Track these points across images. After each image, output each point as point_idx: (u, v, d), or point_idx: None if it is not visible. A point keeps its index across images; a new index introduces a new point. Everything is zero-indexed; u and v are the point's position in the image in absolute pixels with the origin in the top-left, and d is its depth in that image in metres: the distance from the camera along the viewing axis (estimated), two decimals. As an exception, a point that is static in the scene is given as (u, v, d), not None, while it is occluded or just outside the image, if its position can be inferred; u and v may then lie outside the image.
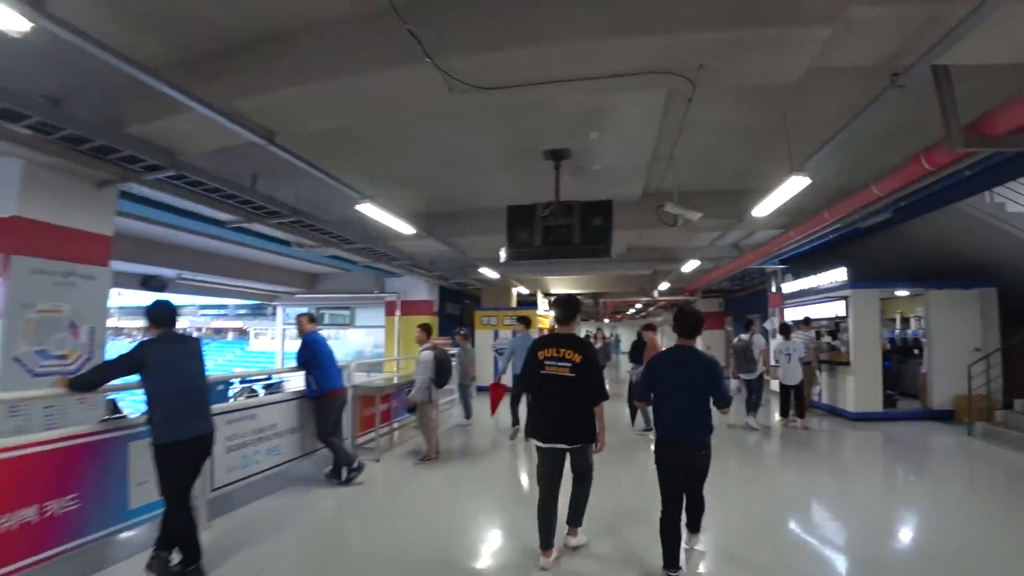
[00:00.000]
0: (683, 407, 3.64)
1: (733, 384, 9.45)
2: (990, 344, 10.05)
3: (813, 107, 5.57)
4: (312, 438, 6.08)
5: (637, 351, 9.35)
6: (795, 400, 9.20)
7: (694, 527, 4.01)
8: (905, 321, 11.84)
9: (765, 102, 5.50)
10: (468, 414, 9.92)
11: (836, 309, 10.49)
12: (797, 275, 12.50)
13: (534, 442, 3.93)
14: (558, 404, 3.83)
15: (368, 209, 6.59)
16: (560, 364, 3.83)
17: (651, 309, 28.12)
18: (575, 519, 4.13)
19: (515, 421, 8.67)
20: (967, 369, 9.90)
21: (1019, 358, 9.38)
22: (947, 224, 9.44)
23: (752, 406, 9.39)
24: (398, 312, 15.52)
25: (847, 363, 9.94)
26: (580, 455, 3.96)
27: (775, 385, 10.28)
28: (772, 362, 10.14)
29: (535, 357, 3.93)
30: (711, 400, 3.66)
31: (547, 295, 18.52)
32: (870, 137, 5.71)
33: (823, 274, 10.76)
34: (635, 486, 6.17)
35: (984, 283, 10.15)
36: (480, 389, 14.39)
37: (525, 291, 16.92)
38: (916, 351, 11.32)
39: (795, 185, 5.65)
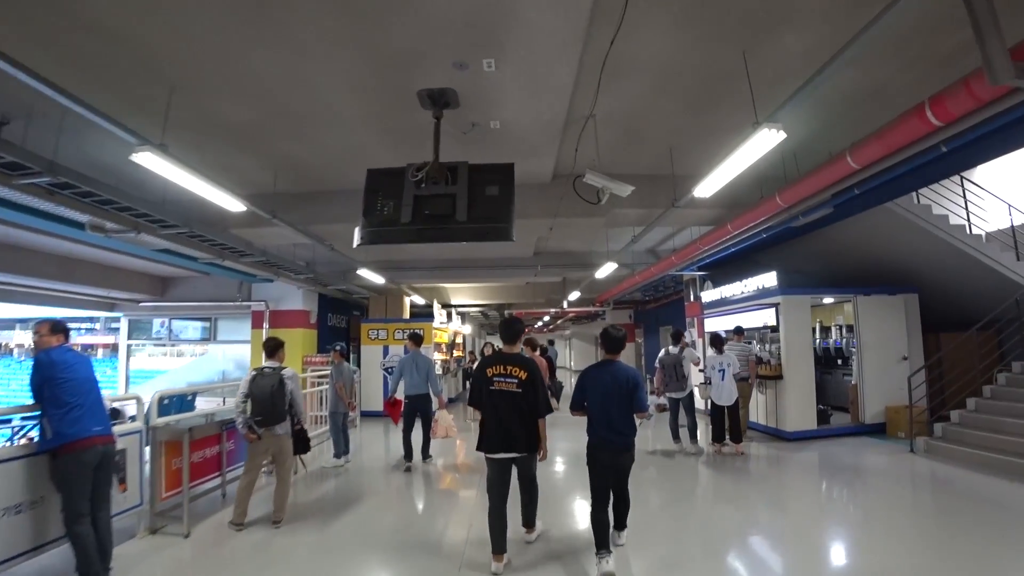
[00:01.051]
0: (611, 414, 4.06)
1: (655, 402, 8.04)
2: (915, 352, 9.47)
3: (779, 48, 4.22)
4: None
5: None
6: (730, 422, 7.93)
7: (620, 524, 4.40)
8: (825, 330, 11.17)
9: (720, 34, 4.06)
10: (340, 451, 7.70)
11: (764, 318, 9.48)
12: (717, 283, 11.51)
13: (484, 455, 4.14)
14: (506, 417, 4.06)
15: (150, 161, 4.35)
16: (507, 380, 4.10)
17: (560, 322, 27.00)
18: (529, 521, 4.49)
19: (407, 455, 7.42)
20: (901, 380, 9.21)
21: (949, 367, 8.78)
22: (872, 227, 8.76)
23: (689, 429, 8.06)
24: (266, 324, 12.90)
25: (778, 377, 8.89)
26: (525, 464, 4.21)
27: (700, 403, 9.05)
28: (700, 380, 8.88)
29: (484, 375, 4.18)
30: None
31: (446, 306, 16.57)
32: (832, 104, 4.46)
33: (750, 279, 9.74)
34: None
35: (906, 288, 9.58)
36: (364, 413, 12.29)
37: (421, 301, 14.88)
38: (839, 361, 10.67)
39: (764, 142, 4.21)
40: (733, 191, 7.22)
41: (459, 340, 17.13)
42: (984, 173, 9.35)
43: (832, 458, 7.72)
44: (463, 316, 18.95)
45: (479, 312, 20.11)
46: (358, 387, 11.85)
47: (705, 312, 11.69)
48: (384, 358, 13.31)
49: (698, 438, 8.05)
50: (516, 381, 4.09)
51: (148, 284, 13.86)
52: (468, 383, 15.43)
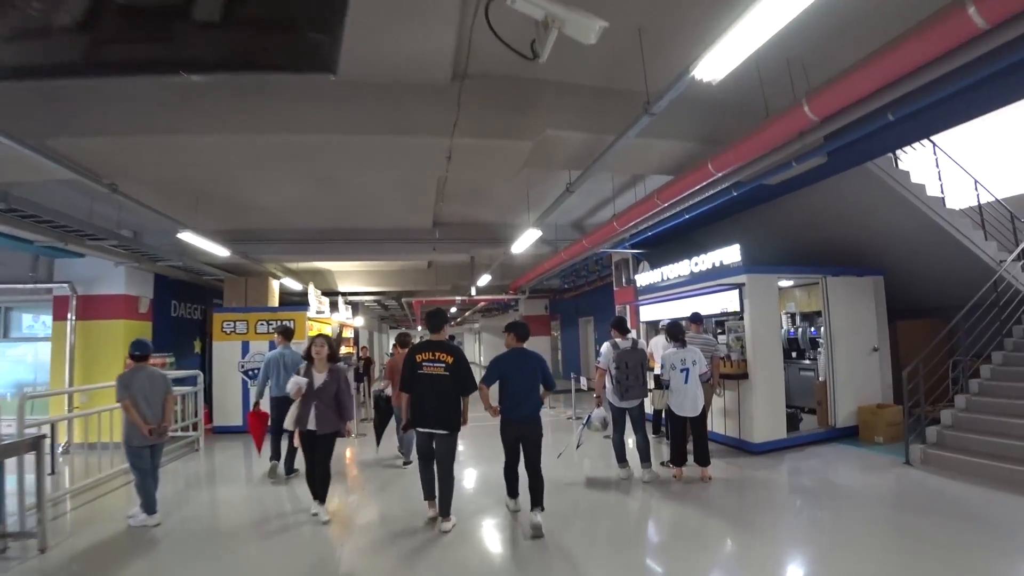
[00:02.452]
0: (520, 392, 4.70)
1: (598, 414, 5.94)
2: (883, 344, 8.09)
3: None
4: None
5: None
6: (695, 438, 5.96)
7: (537, 502, 4.59)
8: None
9: None
10: (149, 506, 4.93)
11: (719, 303, 7.66)
12: (656, 264, 9.66)
13: (417, 429, 4.68)
14: (431, 398, 4.57)
15: None
16: (435, 365, 4.60)
17: (468, 314, 24.60)
18: (445, 511, 4.65)
19: (275, 454, 6.69)
20: (871, 376, 7.89)
21: (908, 358, 7.44)
22: (843, 194, 7.28)
23: (639, 448, 6.02)
24: (72, 315, 9.46)
25: (743, 376, 7.10)
26: (444, 443, 4.64)
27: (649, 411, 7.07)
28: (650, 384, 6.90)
29: (413, 360, 4.63)
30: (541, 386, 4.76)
31: (330, 293, 13.66)
32: None
33: (706, 256, 7.89)
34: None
35: (872, 271, 8.18)
36: (219, 430, 9.41)
37: (297, 286, 11.91)
38: (793, 354, 9.18)
39: None
40: (713, 117, 5.24)
41: (348, 334, 14.29)
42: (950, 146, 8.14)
43: (817, 478, 6.01)
44: (354, 306, 16.06)
45: (375, 302, 17.26)
46: (195, 396, 8.88)
47: (641, 299, 9.81)
48: (243, 357, 10.29)
49: (651, 460, 6.01)
50: (443, 365, 4.57)
51: None
52: (361, 386, 12.70)
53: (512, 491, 4.92)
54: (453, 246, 9.85)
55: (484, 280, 12.52)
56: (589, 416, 5.97)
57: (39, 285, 9.60)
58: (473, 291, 13.52)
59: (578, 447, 5.97)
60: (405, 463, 6.92)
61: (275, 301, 11.40)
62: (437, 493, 4.72)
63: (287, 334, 7.05)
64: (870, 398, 7.76)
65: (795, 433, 7.34)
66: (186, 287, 11.53)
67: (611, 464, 6.27)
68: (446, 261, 13.30)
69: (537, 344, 16.39)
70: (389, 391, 7.12)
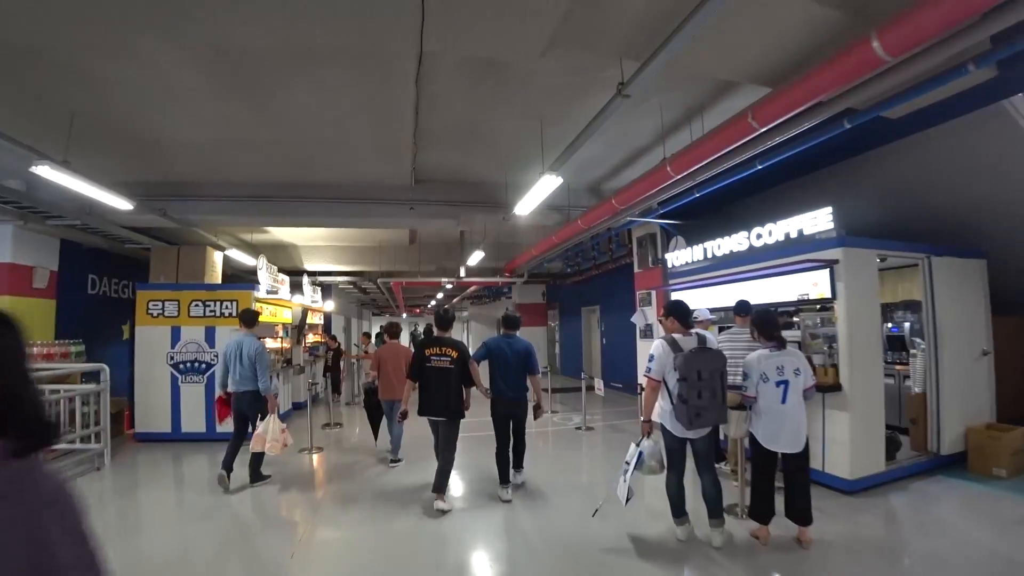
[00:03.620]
0: (508, 375, 5.25)
1: (652, 449, 3.96)
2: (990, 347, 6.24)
3: None
4: None
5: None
6: (790, 483, 4.03)
7: (518, 464, 5.59)
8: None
9: None
10: None
11: (794, 287, 5.71)
12: (693, 240, 7.68)
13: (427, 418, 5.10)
14: (437, 389, 4.97)
15: None
16: (441, 359, 5.01)
17: (455, 301, 22.54)
18: (439, 487, 4.93)
19: (225, 462, 5.67)
20: (980, 386, 6.03)
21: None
22: (955, 146, 5.37)
23: (707, 495, 4.05)
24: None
25: (836, 388, 5.17)
26: (446, 428, 5.05)
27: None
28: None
29: (423, 354, 5.04)
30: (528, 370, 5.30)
31: (295, 272, 11.53)
32: None
33: (780, 223, 5.92)
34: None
35: (974, 251, 6.31)
36: (142, 437, 7.58)
37: (247, 260, 9.75)
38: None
39: None
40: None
41: (313, 319, 12.20)
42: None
43: (959, 538, 4.09)
44: (325, 288, 13.95)
45: (350, 284, 15.14)
46: (98, 397, 6.81)
47: (672, 283, 7.83)
48: (173, 347, 8.19)
49: (723, 511, 4.08)
50: (449, 359, 5.01)
51: None
52: (331, 378, 10.66)
53: (504, 478, 5.27)
54: (437, 209, 7.79)
55: (475, 258, 10.50)
56: (640, 454, 3.98)
57: None
58: (462, 272, 11.48)
59: (627, 502, 4.02)
60: (393, 461, 6.55)
61: (215, 276, 9.26)
62: (436, 473, 5.03)
63: (249, 320, 6.04)
64: (977, 416, 5.93)
65: (893, 464, 5.45)
66: (112, 259, 9.34)
67: (662, 514, 4.33)
68: (431, 236, 11.25)
69: (533, 336, 14.43)
70: (376, 383, 6.86)
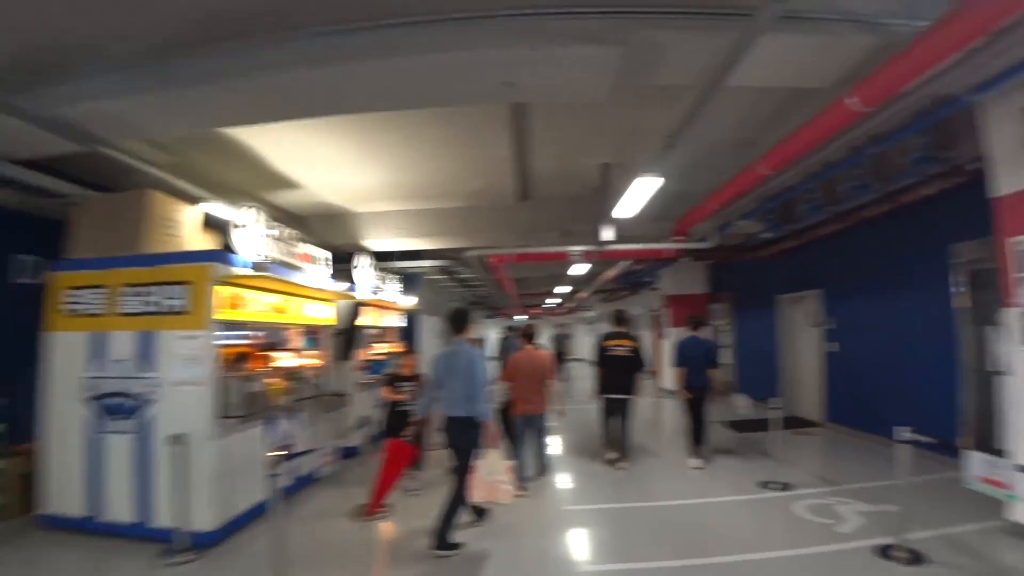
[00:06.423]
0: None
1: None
2: None
3: None
4: None
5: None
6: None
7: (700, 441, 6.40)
8: None
9: None
10: None
11: None
12: None
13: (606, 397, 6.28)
14: (620, 373, 6.18)
15: None
16: (620, 348, 6.17)
17: (587, 296, 17.92)
18: (627, 453, 6.35)
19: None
20: None
21: None
22: None
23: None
24: None
25: None
26: (629, 403, 6.29)
27: None
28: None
29: (603, 345, 6.26)
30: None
31: (344, 254, 7.72)
32: None
33: None
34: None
35: None
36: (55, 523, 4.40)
37: (232, 218, 5.86)
38: None
39: None
40: None
41: (385, 321, 8.34)
42: None
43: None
44: (408, 280, 10.21)
45: (438, 269, 11.20)
46: None
47: None
48: (91, 369, 4.55)
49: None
50: (627, 348, 6.23)
51: None
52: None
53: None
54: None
55: (628, 207, 5.97)
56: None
57: None
58: (606, 234, 6.99)
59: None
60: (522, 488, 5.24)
61: (188, 239, 5.39)
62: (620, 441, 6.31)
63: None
64: None
65: None
66: (45, 229, 5.85)
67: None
68: (553, 180, 6.89)
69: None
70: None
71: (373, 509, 4.87)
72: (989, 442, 4.85)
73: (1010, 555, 3.70)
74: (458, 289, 15.65)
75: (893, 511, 4.03)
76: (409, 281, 10.50)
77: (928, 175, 5.32)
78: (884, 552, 3.74)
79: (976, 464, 3.45)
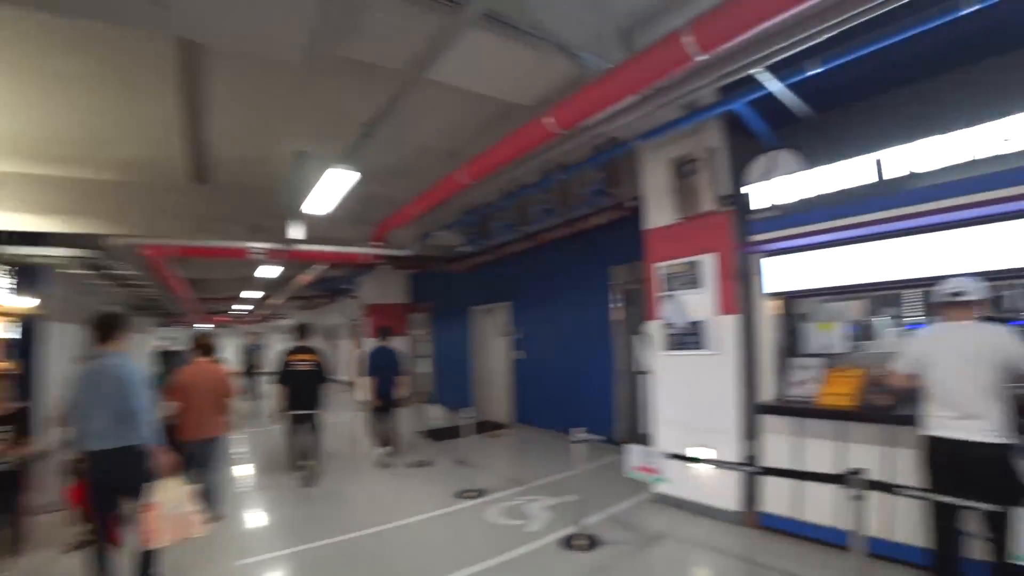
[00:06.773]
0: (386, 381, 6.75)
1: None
2: None
3: None
4: None
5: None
6: None
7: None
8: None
9: None
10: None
11: None
12: (816, 159, 3.68)
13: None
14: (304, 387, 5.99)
15: None
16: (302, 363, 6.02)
17: (281, 303, 16.20)
18: (313, 455, 6.11)
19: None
20: None
21: None
22: None
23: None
24: None
25: None
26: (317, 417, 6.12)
27: None
28: None
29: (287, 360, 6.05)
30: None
31: None
32: None
33: None
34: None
35: None
36: None
37: None
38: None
39: None
40: None
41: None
42: None
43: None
44: (29, 273, 7.54)
45: (85, 262, 8.54)
46: None
47: (758, 240, 3.74)
48: None
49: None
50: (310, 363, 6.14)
51: None
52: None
53: (304, 456, 6.14)
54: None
55: (321, 202, 5.40)
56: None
57: None
58: (295, 232, 6.23)
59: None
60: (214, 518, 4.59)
61: None
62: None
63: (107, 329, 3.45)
64: None
65: None
66: None
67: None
68: (235, 170, 5.84)
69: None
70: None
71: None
72: (636, 429, 5.97)
73: (658, 521, 4.46)
74: (117, 289, 12.28)
75: (573, 500, 4.40)
76: (30, 275, 7.70)
77: (599, 208, 6.18)
78: (568, 543, 4.03)
79: (634, 455, 3.98)
